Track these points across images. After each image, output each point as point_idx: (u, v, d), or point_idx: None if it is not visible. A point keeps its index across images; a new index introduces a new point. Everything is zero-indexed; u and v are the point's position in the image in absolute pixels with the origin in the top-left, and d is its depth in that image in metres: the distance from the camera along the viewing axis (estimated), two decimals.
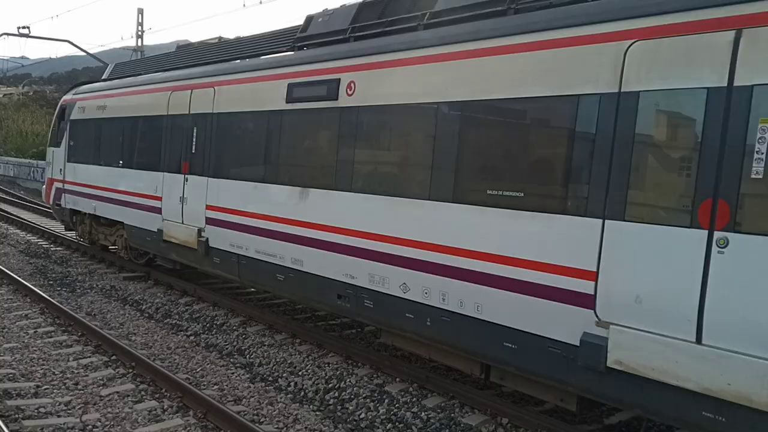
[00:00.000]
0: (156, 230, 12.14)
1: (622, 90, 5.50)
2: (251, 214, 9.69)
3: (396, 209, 7.46)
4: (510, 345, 6.30)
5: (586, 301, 5.62)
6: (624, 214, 5.44)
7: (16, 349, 8.93)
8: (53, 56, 35.98)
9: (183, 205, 11.39)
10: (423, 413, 7.29)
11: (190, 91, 11.44)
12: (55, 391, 7.53)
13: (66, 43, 31.37)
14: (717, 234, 4.89)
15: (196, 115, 11.16)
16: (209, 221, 10.65)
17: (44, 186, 18.35)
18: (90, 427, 6.61)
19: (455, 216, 6.79)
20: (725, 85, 4.90)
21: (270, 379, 8.35)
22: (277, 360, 8.98)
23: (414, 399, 7.65)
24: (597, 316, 5.56)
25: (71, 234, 17.53)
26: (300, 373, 8.53)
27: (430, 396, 7.77)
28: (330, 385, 8.07)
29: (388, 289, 7.53)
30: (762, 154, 4.68)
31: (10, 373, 7.96)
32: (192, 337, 10.05)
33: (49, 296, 11.65)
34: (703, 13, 5.08)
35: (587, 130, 5.77)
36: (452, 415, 7.25)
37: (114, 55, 30.18)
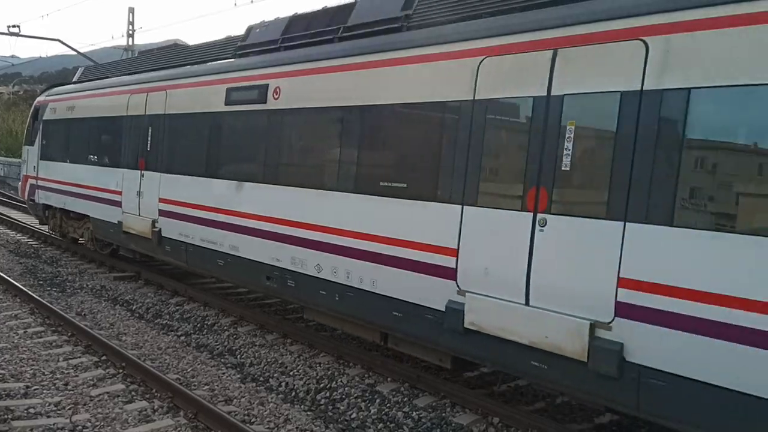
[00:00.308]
0: (117, 222, 13.07)
1: (475, 97, 6.60)
2: (196, 205, 10.69)
3: (312, 199, 8.49)
4: (398, 314, 7.35)
5: (451, 274, 6.68)
6: (476, 200, 6.53)
7: (5, 349, 8.88)
8: (44, 55, 35.81)
9: (140, 198, 12.33)
10: (414, 413, 7.29)
11: (146, 94, 12.44)
12: (44, 391, 7.49)
13: (56, 42, 31.19)
14: (539, 216, 5.96)
15: (151, 116, 12.16)
16: (162, 213, 11.62)
17: (20, 182, 19.37)
18: (80, 427, 6.58)
19: (356, 205, 7.83)
20: (545, 94, 5.99)
21: (261, 379, 8.34)
22: (268, 360, 8.97)
23: (405, 399, 7.66)
24: (458, 286, 6.64)
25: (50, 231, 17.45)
26: (291, 373, 8.52)
27: (421, 395, 7.77)
28: (321, 385, 8.07)
29: (306, 269, 8.52)
30: (569, 150, 5.79)
31: (0, 374, 7.92)
32: (183, 338, 10.02)
33: (39, 296, 11.60)
34: (530, 35, 6.22)
35: (452, 131, 6.84)
36: (443, 414, 7.26)
37: (104, 54, 30.10)
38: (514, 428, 6.94)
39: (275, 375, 8.45)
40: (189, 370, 8.58)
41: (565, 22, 6.01)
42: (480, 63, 6.59)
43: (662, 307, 5.14)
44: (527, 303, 6.02)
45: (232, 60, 10.99)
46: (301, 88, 8.97)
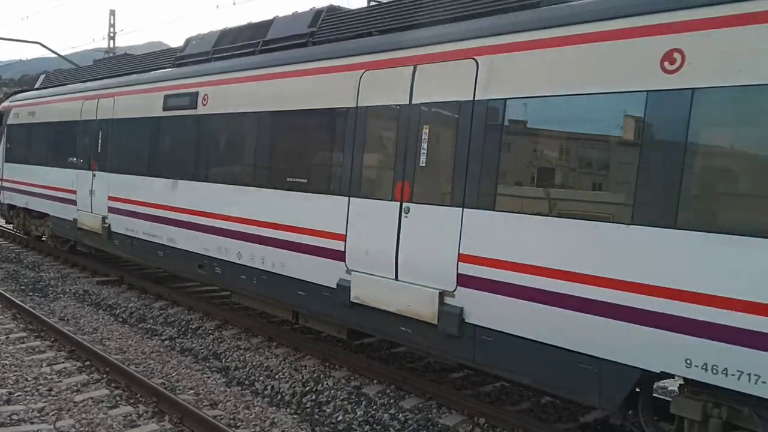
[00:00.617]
0: (72, 219, 14.17)
1: (358, 105, 7.76)
2: (139, 202, 11.79)
3: (233, 194, 9.59)
4: (302, 293, 8.45)
5: (341, 256, 7.78)
6: (359, 193, 7.69)
7: None
8: (24, 58, 35.50)
9: (92, 197, 13.43)
10: (401, 414, 7.30)
11: (97, 100, 13.56)
12: (28, 397, 7.42)
13: (37, 44, 30.88)
14: (404, 204, 7.14)
15: (101, 120, 13.26)
16: (110, 210, 12.72)
17: None
18: None
19: (268, 198, 8.96)
20: (408, 102, 7.18)
21: (246, 382, 8.32)
22: (254, 363, 8.94)
23: (391, 400, 7.67)
24: (346, 266, 7.74)
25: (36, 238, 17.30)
26: (277, 376, 8.50)
27: (407, 397, 7.79)
28: (307, 388, 8.06)
29: (229, 257, 9.59)
30: (425, 149, 6.99)
31: None
32: (167, 342, 9.96)
33: (21, 301, 11.49)
34: (397, 53, 7.42)
35: (341, 133, 7.97)
36: (430, 415, 7.28)
37: (86, 56, 29.80)
38: (500, 428, 6.97)
39: (261, 378, 8.43)
40: (173, 374, 8.53)
41: (422, 42, 7.21)
42: (361, 76, 7.79)
43: (490, 276, 6.32)
44: (396, 278, 7.21)
45: (171, 69, 12.05)
46: (225, 95, 10.08)
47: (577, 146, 6.19)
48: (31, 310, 10.83)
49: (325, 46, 8.80)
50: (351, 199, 7.73)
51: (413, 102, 7.13)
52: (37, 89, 18.28)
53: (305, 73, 8.70)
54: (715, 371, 4.86)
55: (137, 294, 12.89)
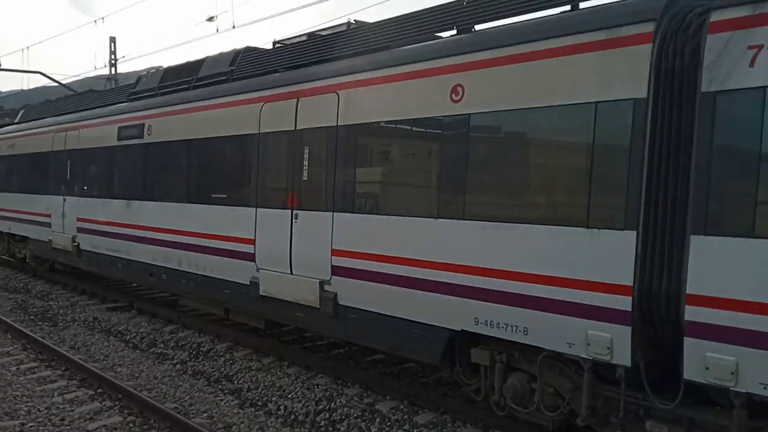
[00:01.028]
0: (48, 240, 15.89)
1: (260, 131, 9.48)
2: (102, 221, 13.58)
3: (172, 210, 11.44)
4: (227, 291, 10.09)
5: (252, 258, 9.42)
6: (264, 203, 9.38)
7: None
8: (25, 88, 35.74)
9: (63, 219, 15.21)
10: (415, 430, 7.26)
11: (65, 132, 15.45)
12: (41, 428, 7.40)
13: (38, 74, 31.12)
14: (294, 211, 8.80)
15: (69, 150, 15.15)
16: (79, 230, 14.47)
17: None
18: None
19: (199, 212, 10.74)
20: (293, 129, 8.91)
21: (259, 403, 8.29)
22: (266, 384, 8.92)
23: (405, 416, 7.63)
24: (257, 266, 9.38)
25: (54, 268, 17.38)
26: (289, 396, 8.47)
27: (421, 412, 7.74)
28: (320, 407, 8.02)
29: (172, 264, 11.29)
30: (306, 165, 8.66)
31: None
32: (178, 366, 9.95)
33: (31, 331, 11.51)
34: (285, 88, 9.21)
35: (248, 155, 9.78)
36: (444, 430, 7.23)
37: (87, 83, 30.02)
38: None
39: (273, 399, 8.40)
40: (186, 398, 8.51)
41: (304, 79, 8.97)
42: (262, 107, 9.52)
43: (353, 266, 7.96)
44: (291, 272, 8.83)
45: (125, 104, 13.76)
46: (165, 125, 11.87)
47: (406, 159, 8.03)
48: (40, 339, 10.85)
49: (239, 82, 10.57)
50: (258, 209, 9.48)
51: (297, 128, 8.92)
52: (17, 123, 20.42)
53: (224, 106, 10.44)
54: (491, 325, 6.52)
55: (147, 319, 12.90)
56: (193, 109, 11.24)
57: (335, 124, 8.35)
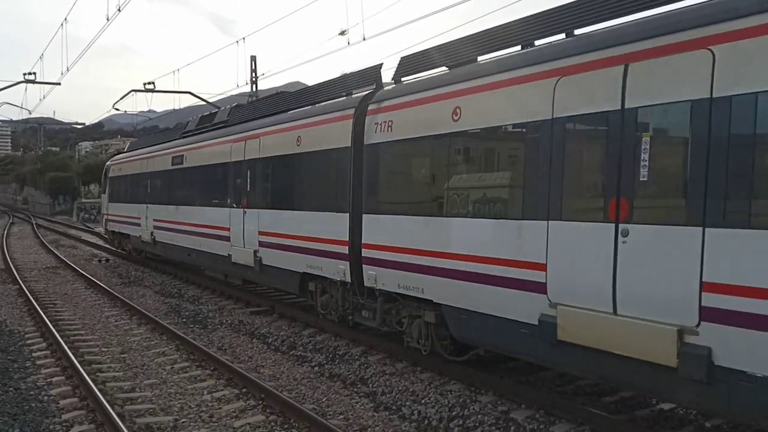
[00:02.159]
0: (139, 236, 22.83)
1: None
2: (169, 221, 19.67)
3: (197, 212, 17.51)
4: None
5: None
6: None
7: (155, 384, 9.48)
8: (177, 107, 38.39)
9: (144, 220, 22.25)
10: None
11: (147, 159, 22.73)
12: (191, 424, 7.90)
13: (187, 94, 33.40)
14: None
15: (152, 172, 21.92)
16: (155, 227, 21.05)
17: (101, 217, 32.99)
18: None
19: (207, 212, 16.71)
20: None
21: (393, 407, 8.38)
22: (399, 388, 9.01)
23: (541, 426, 7.42)
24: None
25: (205, 275, 18.56)
26: (423, 401, 8.50)
27: (558, 422, 7.51)
28: (454, 413, 7.98)
29: (201, 247, 17.12)
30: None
31: (151, 408, 8.44)
32: (316, 368, 10.27)
33: (183, 333, 12.31)
34: (252, 132, 14.65)
35: (233, 176, 15.20)
36: None
37: (231, 101, 31.77)
38: None
39: (407, 403, 8.46)
40: (324, 399, 8.76)
41: (265, 125, 14.06)
42: (231, 146, 15.34)
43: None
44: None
45: (177, 140, 20.34)
46: (192, 156, 18.25)
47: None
48: (192, 341, 11.57)
49: (230, 128, 16.11)
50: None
51: (245, 158, 14.54)
52: (125, 152, 28.29)
53: (221, 143, 16.13)
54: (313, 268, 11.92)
55: (287, 322, 13.43)
56: (205, 145, 17.10)
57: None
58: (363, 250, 10.27)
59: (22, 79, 33.02)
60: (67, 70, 32.10)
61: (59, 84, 35.94)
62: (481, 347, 9.04)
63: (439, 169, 8.93)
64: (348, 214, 10.56)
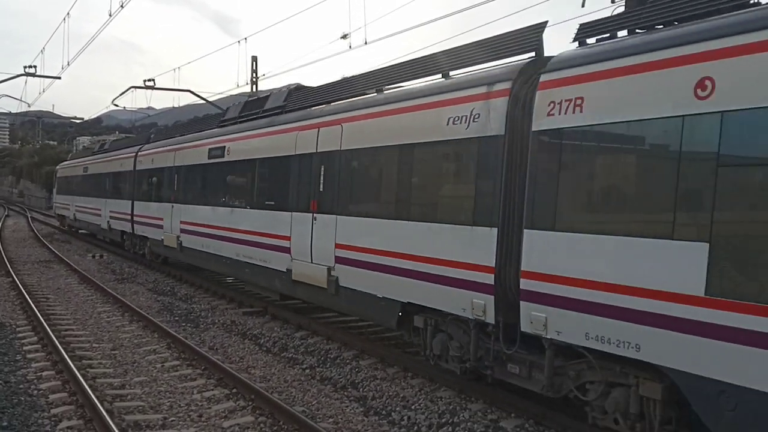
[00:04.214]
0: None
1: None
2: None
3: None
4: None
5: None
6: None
7: (145, 382, 9.46)
8: (176, 105, 38.43)
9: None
10: None
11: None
12: (180, 422, 7.88)
13: (187, 92, 33.40)
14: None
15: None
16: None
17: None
18: None
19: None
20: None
21: (383, 412, 8.37)
22: (390, 394, 9.00)
23: None
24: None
25: (192, 273, 18.54)
26: (413, 407, 8.50)
27: None
28: (443, 420, 7.98)
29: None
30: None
31: (140, 405, 8.42)
32: (307, 371, 10.26)
33: (175, 332, 12.29)
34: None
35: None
36: None
37: (231, 101, 31.77)
38: None
39: (397, 409, 8.45)
40: (314, 402, 8.75)
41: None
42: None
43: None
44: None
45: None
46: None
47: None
48: (183, 340, 11.55)
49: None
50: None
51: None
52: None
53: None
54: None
55: (280, 324, 13.42)
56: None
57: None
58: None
59: (23, 72, 32.97)
60: (68, 64, 32.16)
61: (59, 78, 35.99)
62: None
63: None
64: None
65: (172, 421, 7.92)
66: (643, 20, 6.86)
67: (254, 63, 34.53)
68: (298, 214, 11.88)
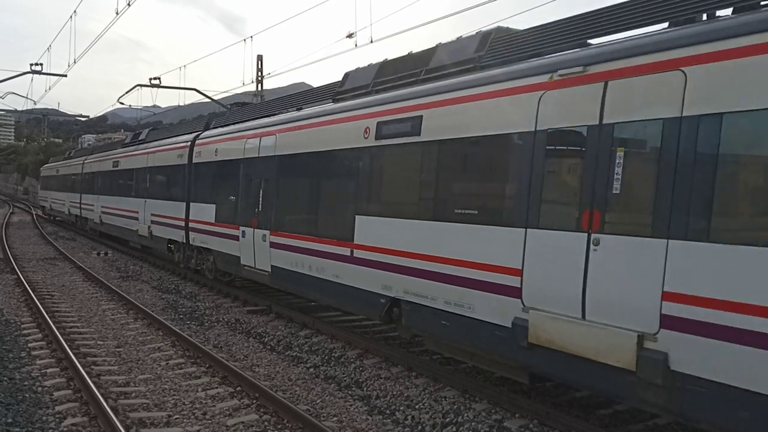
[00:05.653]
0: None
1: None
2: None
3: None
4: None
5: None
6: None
7: (150, 380, 9.47)
8: (181, 104, 38.42)
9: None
10: None
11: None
12: (185, 420, 7.89)
13: (192, 90, 33.42)
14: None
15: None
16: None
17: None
18: None
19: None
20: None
21: (387, 412, 8.37)
22: (394, 393, 9.00)
23: None
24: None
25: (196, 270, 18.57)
26: (417, 406, 8.49)
27: None
28: (447, 419, 7.98)
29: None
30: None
31: (145, 403, 8.43)
32: (312, 369, 10.26)
33: (180, 330, 12.30)
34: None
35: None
36: None
37: (236, 99, 31.82)
38: None
39: (401, 408, 8.45)
40: (318, 401, 8.76)
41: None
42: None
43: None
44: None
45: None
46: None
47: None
48: (188, 338, 11.56)
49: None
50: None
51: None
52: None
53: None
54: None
55: (284, 323, 13.42)
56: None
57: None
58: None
59: (29, 70, 33.05)
60: (74, 62, 32.19)
61: (65, 76, 36.00)
62: None
63: None
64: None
65: (176, 418, 7.93)
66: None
67: (260, 61, 34.55)
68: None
